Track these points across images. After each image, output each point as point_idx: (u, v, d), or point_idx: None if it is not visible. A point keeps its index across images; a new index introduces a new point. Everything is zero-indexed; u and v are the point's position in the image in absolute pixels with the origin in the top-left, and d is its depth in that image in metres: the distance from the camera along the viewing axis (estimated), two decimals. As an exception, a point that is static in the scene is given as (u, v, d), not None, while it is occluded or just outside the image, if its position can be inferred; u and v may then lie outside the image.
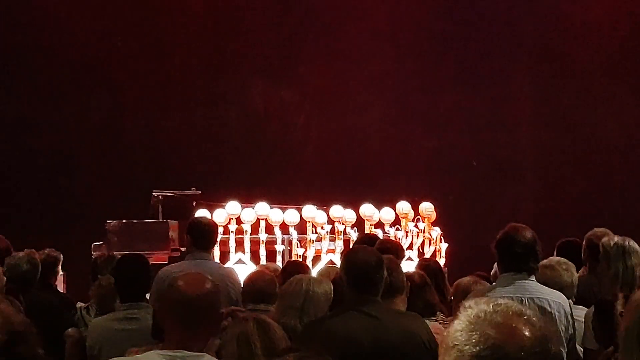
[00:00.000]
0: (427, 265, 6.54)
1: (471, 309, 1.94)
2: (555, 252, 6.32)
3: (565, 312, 4.87)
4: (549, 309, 4.81)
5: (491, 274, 6.84)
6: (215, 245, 6.96)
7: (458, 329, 1.91)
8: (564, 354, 4.85)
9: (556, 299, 4.89)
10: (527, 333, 1.91)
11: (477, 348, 1.86)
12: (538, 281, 5.15)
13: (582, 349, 5.11)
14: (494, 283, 5.32)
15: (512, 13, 14.14)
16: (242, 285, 6.06)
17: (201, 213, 10.24)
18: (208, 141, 13.44)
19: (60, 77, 12.88)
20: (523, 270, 4.86)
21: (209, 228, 6.78)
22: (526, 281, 4.86)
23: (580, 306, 5.30)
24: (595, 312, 4.89)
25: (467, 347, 1.87)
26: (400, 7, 13.95)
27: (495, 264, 6.93)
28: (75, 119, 12.81)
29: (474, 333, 1.88)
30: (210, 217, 9.03)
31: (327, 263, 9.82)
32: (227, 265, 9.78)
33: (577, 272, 5.70)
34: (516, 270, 4.88)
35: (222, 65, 13.58)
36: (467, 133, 13.95)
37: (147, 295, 5.77)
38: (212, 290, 3.38)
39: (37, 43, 12.86)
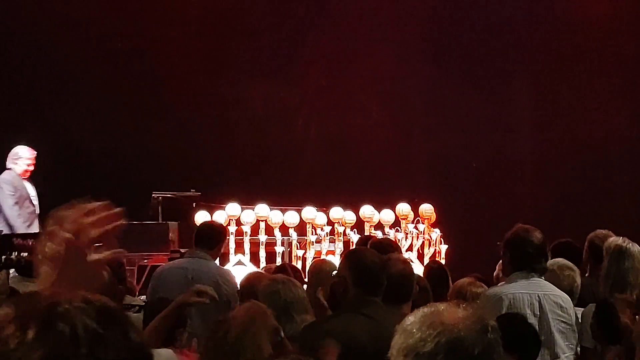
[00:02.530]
0: (430, 267, 6.60)
1: (409, 319, 2.07)
2: (550, 254, 6.31)
3: (573, 309, 4.97)
4: (564, 305, 4.90)
5: (494, 274, 6.85)
6: (218, 248, 6.98)
7: (406, 337, 2.03)
8: (578, 349, 4.94)
9: (565, 296, 5.03)
10: (465, 313, 2.05)
11: (428, 334, 1.99)
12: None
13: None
14: (503, 282, 5.32)
15: (511, 14, 14.15)
16: (237, 287, 6.10)
17: (201, 214, 10.26)
18: (208, 142, 13.44)
19: (59, 77, 12.88)
20: (535, 270, 4.94)
21: (210, 229, 6.88)
22: (539, 280, 4.94)
23: (580, 308, 5.31)
24: (595, 311, 4.92)
25: (422, 343, 1.99)
26: (400, 9, 13.96)
27: (498, 265, 6.93)
28: (73, 120, 12.80)
29: (422, 330, 2.00)
30: (217, 222, 8.96)
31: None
32: (227, 266, 9.79)
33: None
34: (528, 270, 4.95)
35: (221, 67, 13.58)
36: (467, 134, 13.96)
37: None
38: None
39: (34, 42, 12.86)
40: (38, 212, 10.00)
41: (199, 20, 13.49)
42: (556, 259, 5.82)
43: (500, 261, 6.82)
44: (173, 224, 10.79)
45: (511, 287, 4.97)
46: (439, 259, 10.81)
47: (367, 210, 11.12)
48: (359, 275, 4.36)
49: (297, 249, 10.72)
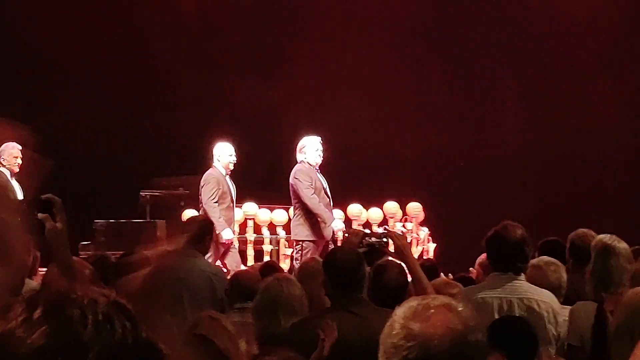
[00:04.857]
0: (422, 265, 6.61)
1: (398, 312, 2.04)
2: (537, 253, 6.33)
3: (553, 312, 4.87)
4: (537, 309, 4.80)
5: (474, 276, 6.88)
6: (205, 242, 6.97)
7: (386, 335, 2.02)
8: (552, 352, 4.87)
9: (545, 298, 4.89)
10: (445, 324, 1.97)
11: (402, 342, 1.96)
12: (526, 281, 5.16)
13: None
14: (482, 283, 5.32)
15: (499, 13, 14.17)
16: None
17: (189, 213, 10.25)
18: (196, 141, 13.40)
19: (48, 75, 12.84)
20: (509, 270, 4.86)
21: (198, 225, 6.87)
22: (515, 281, 4.85)
23: (565, 306, 5.32)
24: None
25: (392, 350, 1.98)
26: (389, 9, 13.97)
27: (477, 264, 6.96)
28: (62, 118, 12.77)
29: (399, 336, 1.98)
30: (201, 215, 9.02)
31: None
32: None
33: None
34: (503, 270, 4.88)
35: (211, 65, 13.57)
36: (455, 133, 13.97)
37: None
38: None
39: (25, 40, 12.81)
40: (331, 204, 9.88)
41: (189, 18, 13.47)
42: (543, 257, 5.83)
43: (477, 262, 6.86)
44: (161, 223, 10.79)
45: (482, 290, 4.90)
46: (426, 258, 10.84)
47: (354, 209, 11.15)
48: (334, 276, 4.39)
49: (285, 247, 10.73)
